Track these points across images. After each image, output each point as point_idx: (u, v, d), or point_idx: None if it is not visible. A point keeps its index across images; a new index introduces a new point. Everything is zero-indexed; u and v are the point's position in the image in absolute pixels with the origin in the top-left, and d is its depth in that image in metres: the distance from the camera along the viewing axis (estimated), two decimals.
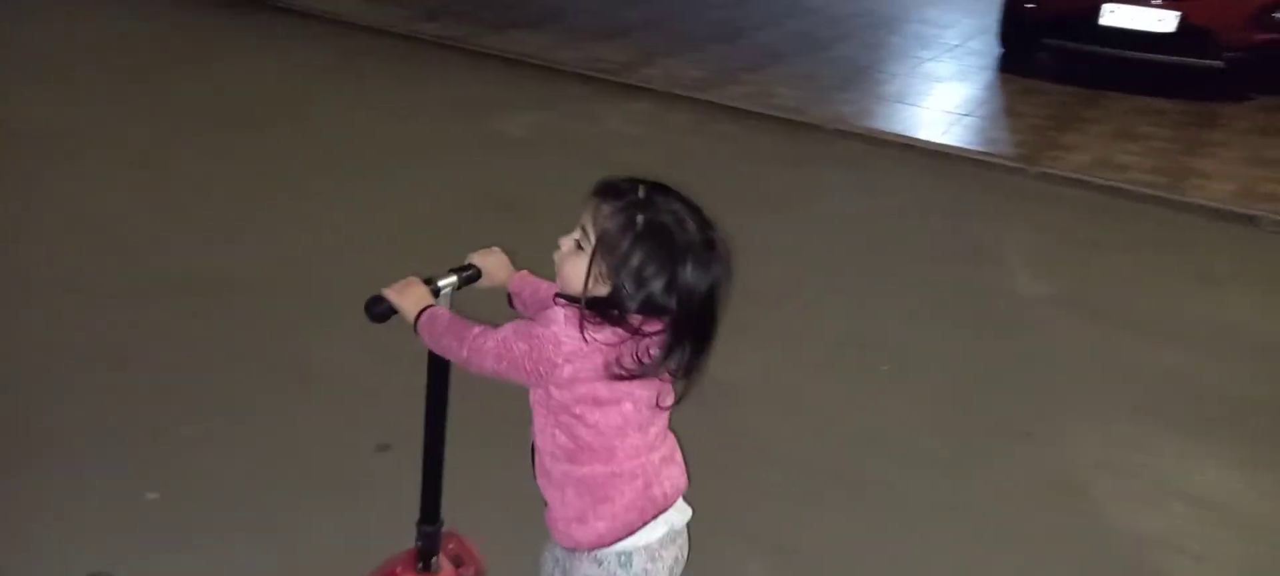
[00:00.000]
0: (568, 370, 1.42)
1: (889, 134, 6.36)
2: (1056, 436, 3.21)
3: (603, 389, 1.45)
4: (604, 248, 1.43)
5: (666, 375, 1.48)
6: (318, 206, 4.53)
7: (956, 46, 8.77)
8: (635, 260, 1.40)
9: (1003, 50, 8.11)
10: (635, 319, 1.41)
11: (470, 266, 1.77)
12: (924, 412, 3.29)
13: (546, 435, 1.54)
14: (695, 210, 1.47)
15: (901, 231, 4.82)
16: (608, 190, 1.47)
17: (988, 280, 4.30)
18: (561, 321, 1.42)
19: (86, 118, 5.46)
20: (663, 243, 1.41)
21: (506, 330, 1.48)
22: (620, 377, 1.42)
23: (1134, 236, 4.97)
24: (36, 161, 4.75)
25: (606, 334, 1.41)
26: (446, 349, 1.57)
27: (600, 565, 1.55)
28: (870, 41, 8.85)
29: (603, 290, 1.43)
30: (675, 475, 1.59)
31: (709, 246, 1.44)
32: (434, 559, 1.88)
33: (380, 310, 1.64)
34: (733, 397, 3.24)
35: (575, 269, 1.46)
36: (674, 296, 1.41)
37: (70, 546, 2.40)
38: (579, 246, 1.47)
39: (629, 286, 1.41)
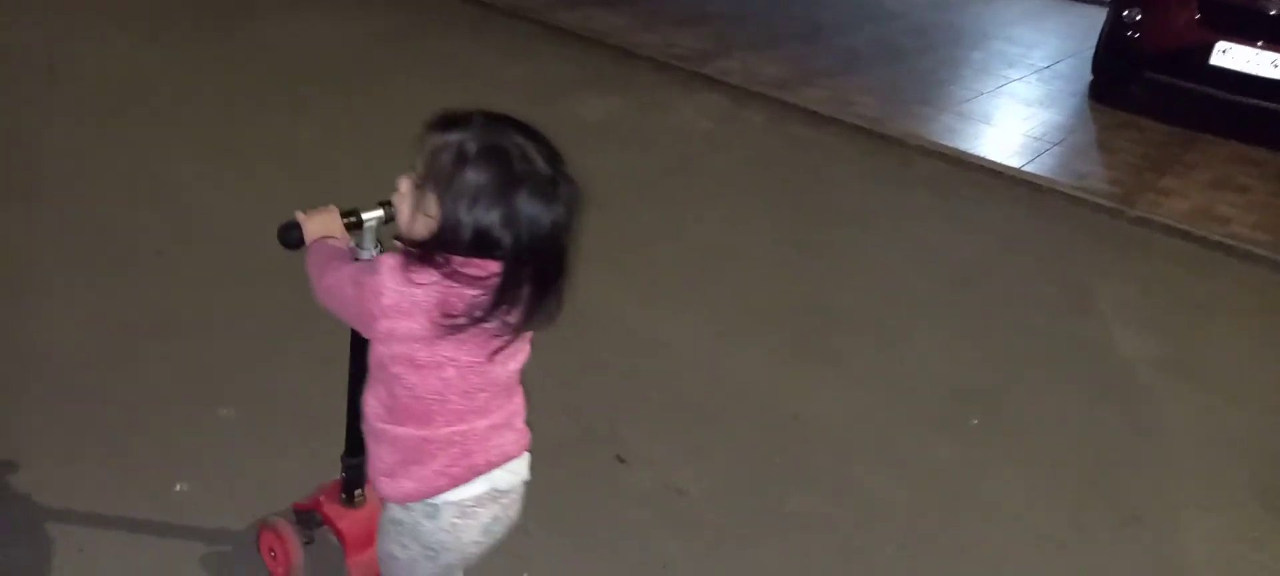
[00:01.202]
0: (384, 325, 1.32)
1: (972, 156, 6.03)
2: (1167, 522, 2.92)
3: (421, 351, 1.34)
4: (433, 179, 1.31)
5: (508, 329, 1.35)
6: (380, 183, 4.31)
7: (1044, 68, 8.39)
8: (465, 190, 1.28)
9: (1094, 78, 7.72)
10: (467, 262, 1.29)
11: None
12: (1019, 477, 3.01)
13: (372, 386, 1.47)
14: (540, 141, 1.35)
15: (988, 268, 4.53)
16: (442, 120, 1.34)
17: (1085, 333, 4.00)
18: (386, 269, 1.31)
19: (157, 64, 5.29)
20: (498, 171, 1.29)
21: (346, 271, 1.41)
22: (450, 330, 1.30)
23: (1242, 297, 4.63)
24: (104, 112, 4.59)
25: (432, 278, 1.29)
26: (313, 282, 1.49)
27: (407, 511, 1.49)
28: (953, 55, 8.49)
29: (432, 227, 1.31)
30: (506, 442, 1.49)
31: (554, 180, 1.33)
32: (358, 491, 1.96)
33: (292, 238, 1.58)
34: (820, 434, 2.99)
35: (406, 207, 1.36)
36: (510, 231, 1.29)
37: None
38: (418, 187, 1.34)
39: (460, 218, 1.28)
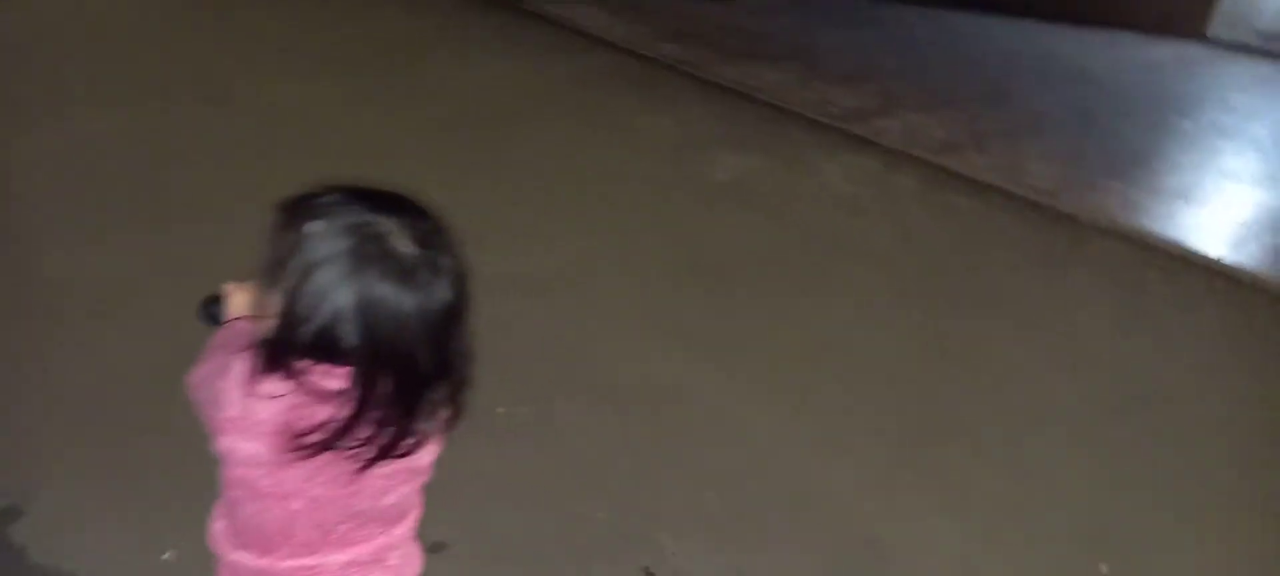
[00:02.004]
0: (223, 442, 1.12)
1: (1161, 239, 5.29)
2: None
3: (263, 478, 1.13)
4: (273, 270, 1.10)
5: (370, 451, 1.12)
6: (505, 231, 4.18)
7: (1264, 141, 7.38)
8: (306, 277, 1.07)
9: None
10: (320, 370, 1.08)
11: None
12: None
13: (219, 503, 1.25)
14: (414, 218, 1.12)
15: (1162, 382, 3.86)
16: (289, 203, 1.13)
17: None
18: (234, 375, 1.10)
19: (303, 101, 5.45)
20: (344, 255, 1.07)
21: (214, 364, 1.17)
22: (296, 455, 1.09)
23: None
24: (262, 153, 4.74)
25: (281, 390, 1.08)
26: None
27: None
28: (1156, 121, 7.63)
29: (274, 327, 1.10)
30: None
31: (421, 263, 1.09)
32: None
33: (212, 313, 1.34)
34: (898, 565, 2.55)
35: (245, 307, 1.23)
36: (358, 324, 1.06)
37: None
38: (262, 282, 1.14)
39: (298, 311, 1.07)
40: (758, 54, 7.65)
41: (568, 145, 5.40)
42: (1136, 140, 7.03)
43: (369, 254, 1.08)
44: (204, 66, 5.62)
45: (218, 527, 1.27)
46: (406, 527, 1.30)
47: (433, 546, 2.39)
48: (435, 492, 1.36)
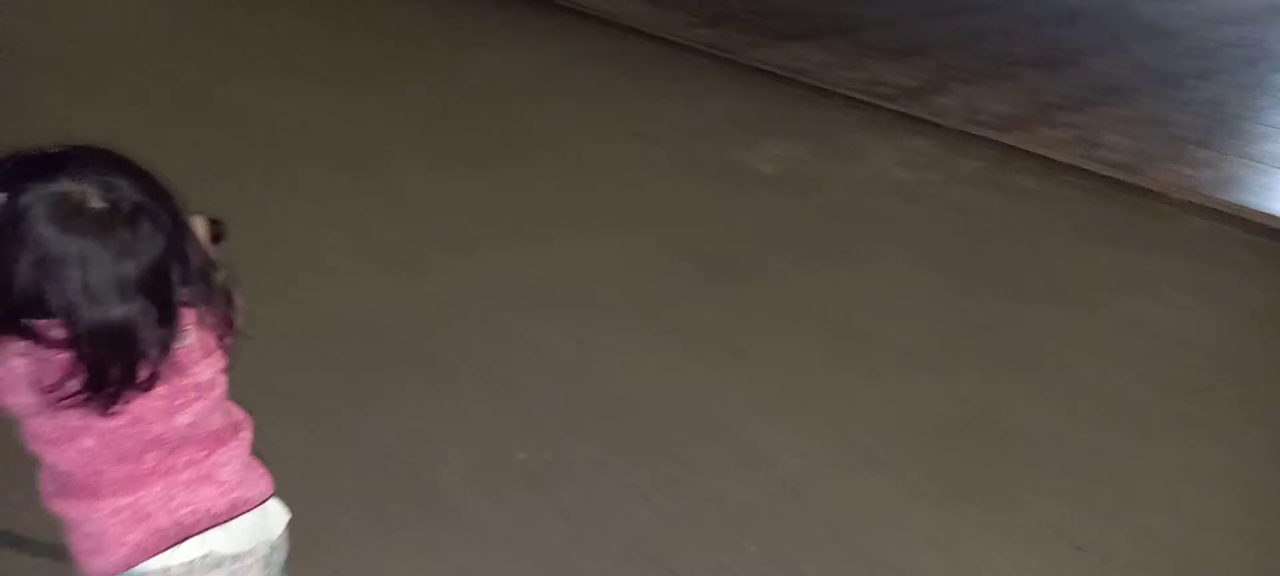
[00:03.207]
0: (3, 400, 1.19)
1: (1259, 214, 4.76)
2: None
3: (45, 424, 1.19)
4: None
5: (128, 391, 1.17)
6: (512, 245, 3.88)
7: None
8: None
9: None
10: (47, 325, 1.12)
11: None
12: None
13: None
14: (94, 172, 1.13)
15: (1253, 369, 3.40)
16: None
17: None
18: None
19: (314, 109, 5.23)
20: (24, 216, 1.09)
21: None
22: (61, 403, 1.15)
23: None
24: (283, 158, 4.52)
25: (19, 347, 1.14)
26: None
27: None
28: (1248, 80, 6.99)
29: None
30: (207, 500, 1.29)
31: (112, 213, 1.12)
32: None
33: None
34: None
35: None
36: (53, 285, 1.10)
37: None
38: None
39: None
40: (799, 33, 7.19)
41: (597, 140, 5.07)
42: (1226, 100, 6.43)
43: (48, 207, 1.10)
44: (217, 66, 5.43)
45: (42, 485, 1.28)
46: (237, 445, 1.32)
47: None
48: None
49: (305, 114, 4.99)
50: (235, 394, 1.33)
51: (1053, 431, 2.96)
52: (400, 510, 2.39)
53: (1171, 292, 3.96)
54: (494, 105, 5.47)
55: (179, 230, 1.18)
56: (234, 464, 1.32)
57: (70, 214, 1.10)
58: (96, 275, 1.11)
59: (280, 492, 1.37)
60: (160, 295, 1.16)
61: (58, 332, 1.13)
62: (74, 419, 1.18)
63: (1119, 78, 6.73)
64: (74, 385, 1.13)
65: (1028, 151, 5.31)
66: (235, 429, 1.34)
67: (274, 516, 1.36)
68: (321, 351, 2.97)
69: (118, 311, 1.13)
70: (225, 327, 1.27)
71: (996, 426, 2.97)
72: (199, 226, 1.34)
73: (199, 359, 1.25)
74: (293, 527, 1.39)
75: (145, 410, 1.21)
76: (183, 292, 1.19)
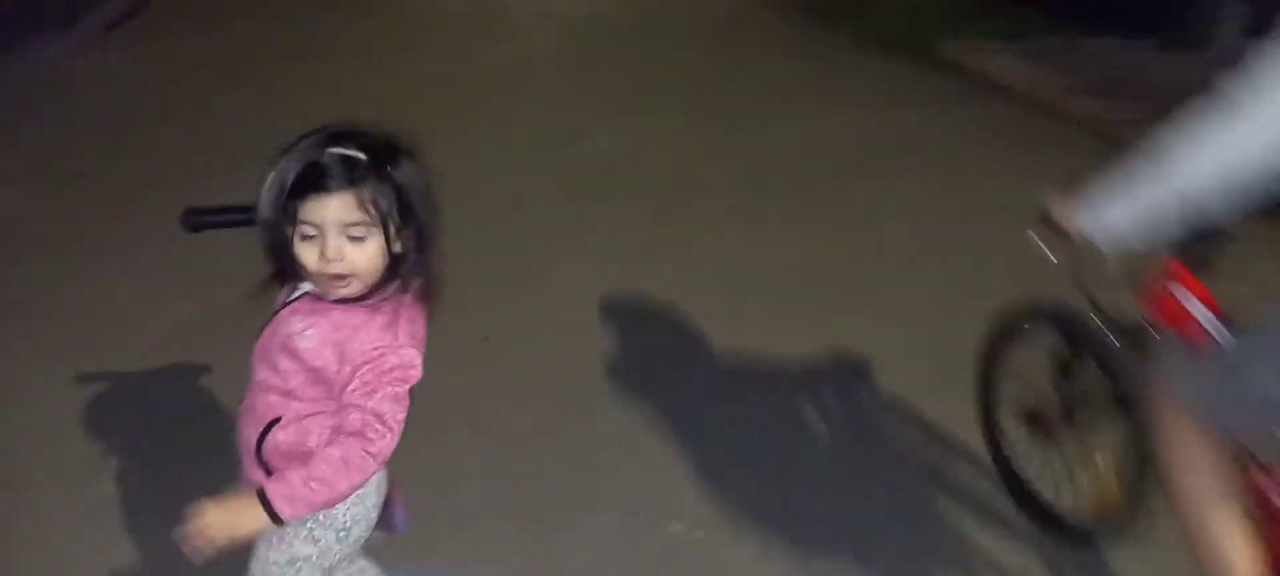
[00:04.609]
0: (417, 375, 1.58)
1: None
2: None
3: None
4: (407, 209, 1.57)
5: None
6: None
7: None
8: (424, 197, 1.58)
9: None
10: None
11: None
12: None
13: (316, 420, 1.56)
14: (350, 142, 1.49)
15: None
16: (367, 149, 1.53)
17: None
18: (396, 346, 1.54)
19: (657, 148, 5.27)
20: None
21: (356, 416, 1.49)
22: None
23: None
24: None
25: (397, 304, 1.58)
26: (345, 483, 1.48)
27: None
28: None
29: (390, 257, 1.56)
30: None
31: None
32: None
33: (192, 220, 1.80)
34: None
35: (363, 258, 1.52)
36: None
37: None
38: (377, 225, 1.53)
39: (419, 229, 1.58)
40: None
41: (918, 207, 4.58)
42: None
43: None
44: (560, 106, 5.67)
45: (319, 437, 1.56)
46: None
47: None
48: None
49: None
50: None
51: None
52: None
53: None
54: (801, 163, 5.15)
55: (399, 180, 1.56)
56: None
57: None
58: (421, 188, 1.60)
59: None
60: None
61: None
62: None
63: None
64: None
65: None
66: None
67: None
68: None
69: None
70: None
71: None
72: None
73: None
74: None
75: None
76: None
